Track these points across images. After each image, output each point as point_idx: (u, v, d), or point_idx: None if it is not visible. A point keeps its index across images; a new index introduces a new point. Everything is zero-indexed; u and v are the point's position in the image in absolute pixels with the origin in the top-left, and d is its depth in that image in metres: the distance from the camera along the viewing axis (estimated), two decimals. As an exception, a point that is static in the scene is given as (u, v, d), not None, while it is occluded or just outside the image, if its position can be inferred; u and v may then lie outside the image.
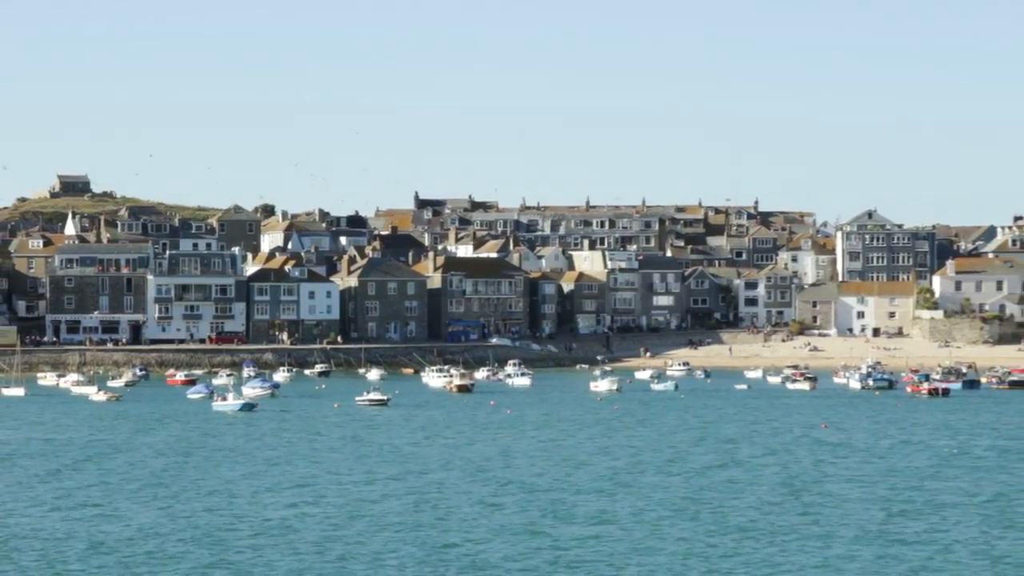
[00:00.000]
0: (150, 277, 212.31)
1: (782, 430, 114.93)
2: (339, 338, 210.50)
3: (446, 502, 73.73)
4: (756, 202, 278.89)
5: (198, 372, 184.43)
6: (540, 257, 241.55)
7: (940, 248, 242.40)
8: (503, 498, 75.11)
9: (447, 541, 61.85)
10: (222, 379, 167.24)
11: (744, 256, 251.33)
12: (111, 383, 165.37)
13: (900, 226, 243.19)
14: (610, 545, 60.84)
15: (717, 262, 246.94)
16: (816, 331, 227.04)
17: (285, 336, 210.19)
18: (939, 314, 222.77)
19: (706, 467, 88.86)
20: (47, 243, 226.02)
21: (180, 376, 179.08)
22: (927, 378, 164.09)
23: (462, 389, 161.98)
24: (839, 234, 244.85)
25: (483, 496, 75.95)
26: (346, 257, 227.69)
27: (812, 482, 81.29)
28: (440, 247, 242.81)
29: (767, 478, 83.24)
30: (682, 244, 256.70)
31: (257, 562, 57.67)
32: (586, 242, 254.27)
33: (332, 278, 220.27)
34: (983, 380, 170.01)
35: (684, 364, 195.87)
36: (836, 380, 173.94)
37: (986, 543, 61.51)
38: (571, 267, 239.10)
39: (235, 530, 65.07)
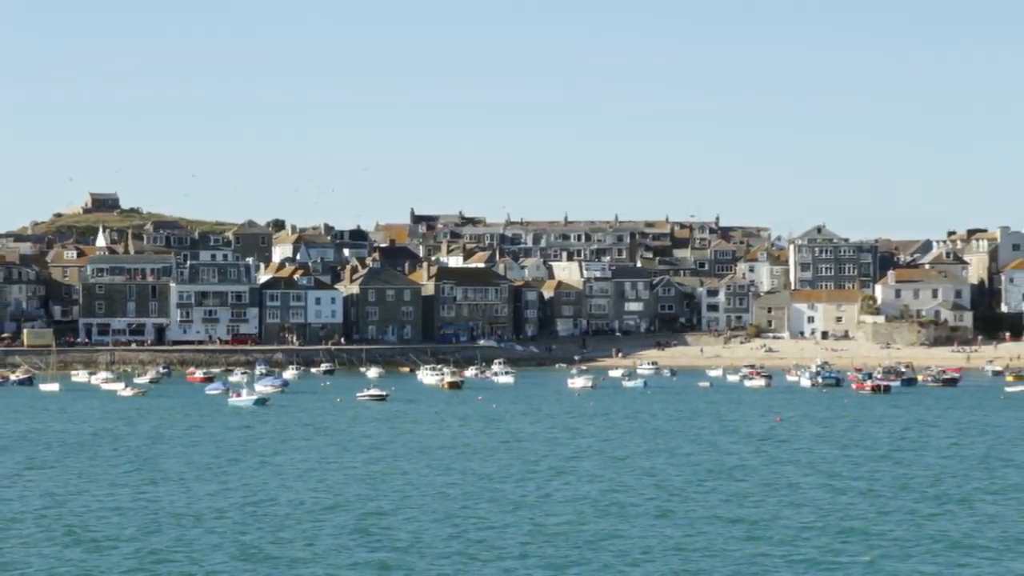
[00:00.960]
0: (173, 285, 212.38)
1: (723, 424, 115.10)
2: (342, 340, 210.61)
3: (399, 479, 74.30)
4: (717, 218, 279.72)
5: (215, 370, 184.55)
6: (523, 267, 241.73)
7: (882, 260, 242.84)
8: (447, 478, 75.61)
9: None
10: (237, 377, 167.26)
11: (706, 267, 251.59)
12: (137, 380, 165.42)
13: (846, 240, 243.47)
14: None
15: (682, 272, 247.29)
16: (771, 334, 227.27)
17: (294, 338, 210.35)
18: (881, 319, 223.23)
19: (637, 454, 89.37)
20: (80, 254, 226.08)
21: (199, 374, 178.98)
22: (870, 376, 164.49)
23: (453, 386, 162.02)
24: (791, 247, 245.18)
25: (431, 478, 76.51)
26: (349, 267, 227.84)
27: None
28: (433, 258, 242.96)
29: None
30: (650, 256, 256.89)
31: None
32: (564, 254, 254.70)
33: (336, 286, 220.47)
34: (920, 378, 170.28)
35: (652, 364, 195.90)
36: (789, 378, 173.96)
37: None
38: (551, 276, 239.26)
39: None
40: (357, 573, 52.22)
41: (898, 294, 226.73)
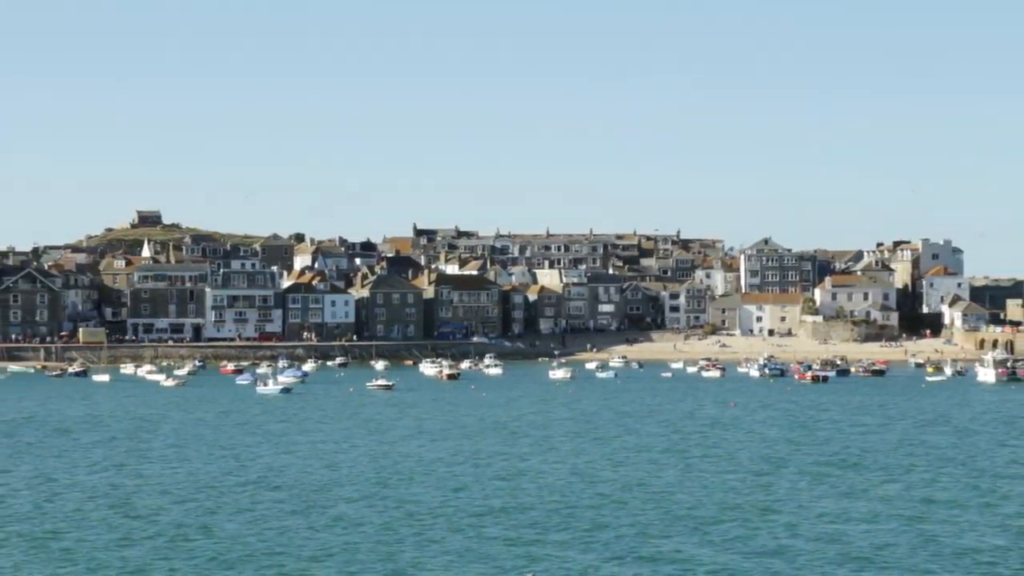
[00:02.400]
0: (208, 290, 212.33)
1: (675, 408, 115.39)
2: (354, 337, 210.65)
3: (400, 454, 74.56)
4: (678, 232, 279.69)
5: (244, 363, 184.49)
6: (511, 274, 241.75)
7: (820, 267, 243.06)
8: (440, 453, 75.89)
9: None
10: (263, 369, 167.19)
11: (669, 273, 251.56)
12: (177, 372, 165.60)
13: (789, 250, 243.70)
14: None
15: (648, 278, 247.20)
16: (724, 332, 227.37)
17: (312, 335, 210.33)
18: (819, 319, 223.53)
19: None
20: (128, 263, 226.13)
21: (231, 367, 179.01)
22: (810, 368, 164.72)
23: (451, 377, 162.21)
24: (742, 256, 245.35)
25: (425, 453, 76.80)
26: (360, 274, 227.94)
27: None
28: (433, 266, 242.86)
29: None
30: (621, 264, 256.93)
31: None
32: (546, 262, 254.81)
33: (349, 290, 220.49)
34: (852, 370, 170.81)
35: (622, 358, 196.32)
36: (740, 369, 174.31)
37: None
38: (535, 282, 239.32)
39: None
40: (353, 537, 52.39)
41: (834, 297, 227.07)
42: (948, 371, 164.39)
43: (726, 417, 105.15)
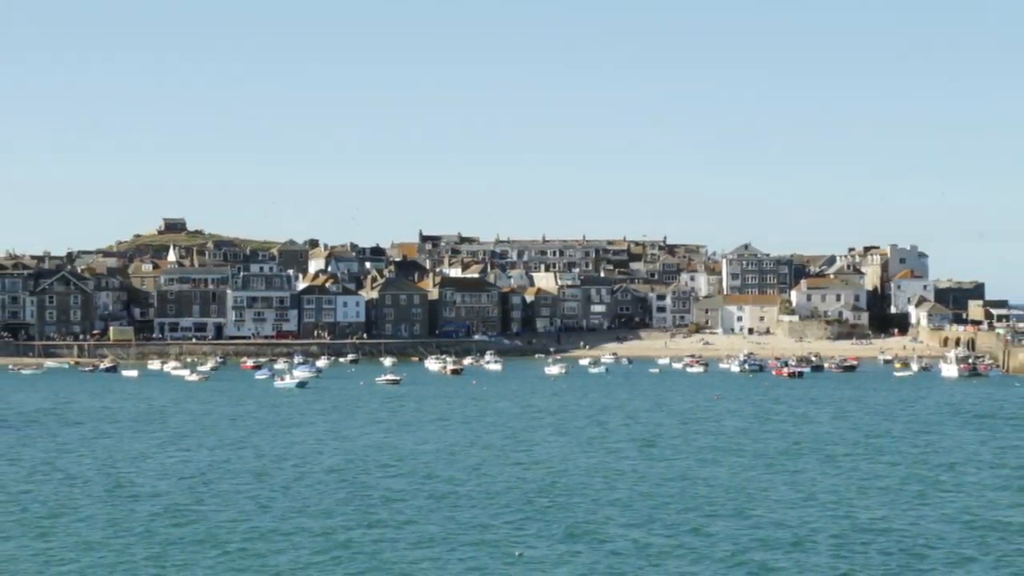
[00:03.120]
0: (229, 291, 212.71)
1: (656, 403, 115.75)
2: (364, 335, 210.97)
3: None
4: (665, 238, 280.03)
5: (263, 360, 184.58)
6: (509, 277, 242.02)
7: (796, 271, 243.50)
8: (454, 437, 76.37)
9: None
10: (280, 365, 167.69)
11: (656, 276, 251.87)
12: (200, 368, 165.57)
13: (768, 255, 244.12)
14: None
15: (636, 280, 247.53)
16: (708, 330, 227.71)
17: (325, 334, 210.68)
18: (795, 318, 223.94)
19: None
20: (155, 267, 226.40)
21: (250, 363, 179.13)
22: (786, 364, 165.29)
23: (454, 372, 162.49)
24: (724, 261, 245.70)
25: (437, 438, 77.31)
26: (369, 277, 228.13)
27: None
28: (437, 270, 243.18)
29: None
30: (611, 268, 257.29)
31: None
32: (543, 266, 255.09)
33: (360, 292, 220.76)
34: (826, 366, 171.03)
35: (613, 354, 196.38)
36: (721, 365, 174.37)
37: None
38: (532, 284, 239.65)
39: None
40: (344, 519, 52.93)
41: (809, 298, 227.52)
42: (914, 367, 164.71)
43: (688, 409, 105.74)
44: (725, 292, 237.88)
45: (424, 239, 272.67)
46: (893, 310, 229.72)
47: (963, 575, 42.90)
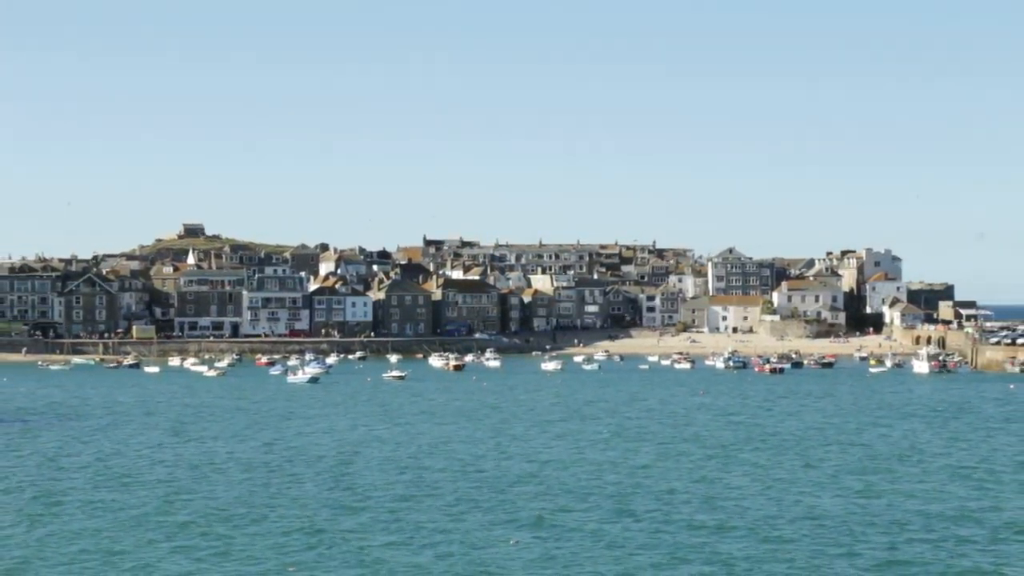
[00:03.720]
0: (244, 292, 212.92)
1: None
2: (372, 334, 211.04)
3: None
4: (654, 242, 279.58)
5: (276, 357, 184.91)
6: (508, 279, 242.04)
7: (777, 273, 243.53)
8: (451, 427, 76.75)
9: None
10: (293, 361, 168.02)
11: (646, 278, 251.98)
12: (217, 364, 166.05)
13: (751, 258, 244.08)
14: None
15: (627, 282, 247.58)
16: (694, 329, 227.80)
17: (335, 332, 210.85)
18: (777, 318, 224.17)
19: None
20: (175, 269, 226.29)
21: (264, 359, 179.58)
22: (768, 361, 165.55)
23: (456, 368, 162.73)
24: (710, 264, 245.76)
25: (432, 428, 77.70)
26: (376, 279, 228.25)
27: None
28: (440, 272, 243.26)
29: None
30: (604, 270, 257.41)
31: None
32: (539, 269, 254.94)
33: (367, 293, 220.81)
34: (805, 363, 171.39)
35: (605, 352, 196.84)
36: (707, 362, 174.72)
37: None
38: (529, 285, 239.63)
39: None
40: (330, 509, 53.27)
41: (789, 299, 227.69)
42: (888, 363, 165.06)
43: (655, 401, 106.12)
44: (711, 293, 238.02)
45: (428, 243, 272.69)
46: (868, 310, 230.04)
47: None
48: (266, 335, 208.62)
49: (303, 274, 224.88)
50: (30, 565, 42.51)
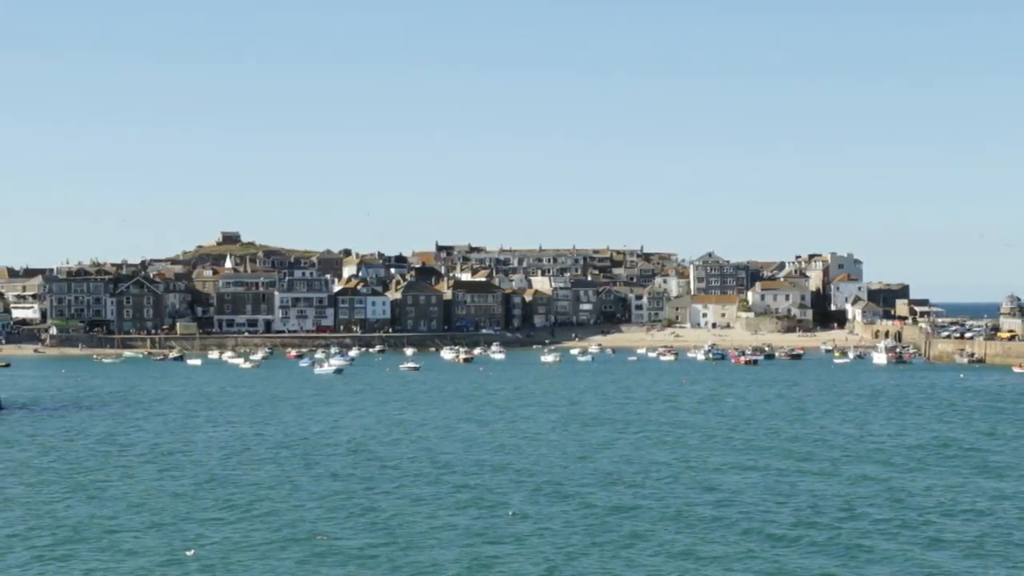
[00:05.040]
0: (276, 293, 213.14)
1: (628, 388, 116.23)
2: (390, 329, 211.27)
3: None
4: (642, 247, 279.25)
5: (304, 350, 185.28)
6: (511, 280, 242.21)
7: (752, 275, 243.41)
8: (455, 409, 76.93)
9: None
10: (319, 354, 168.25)
11: (635, 280, 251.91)
12: (252, 357, 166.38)
13: (728, 262, 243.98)
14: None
15: (618, 283, 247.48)
16: (678, 325, 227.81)
17: (357, 328, 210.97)
18: (751, 315, 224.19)
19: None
20: (214, 273, 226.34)
21: (294, 353, 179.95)
22: (744, 353, 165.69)
23: (465, 360, 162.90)
24: (691, 267, 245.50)
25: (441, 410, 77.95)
26: (394, 281, 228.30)
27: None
28: (450, 274, 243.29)
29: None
30: (597, 272, 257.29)
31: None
32: (539, 271, 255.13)
33: (386, 293, 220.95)
34: (776, 355, 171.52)
35: (598, 345, 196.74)
36: (689, 354, 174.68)
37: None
38: (530, 286, 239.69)
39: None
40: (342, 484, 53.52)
41: (763, 298, 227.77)
42: (851, 355, 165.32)
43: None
44: (692, 293, 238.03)
45: (439, 249, 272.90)
46: (833, 308, 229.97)
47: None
48: (302, 329, 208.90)
49: (328, 276, 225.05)
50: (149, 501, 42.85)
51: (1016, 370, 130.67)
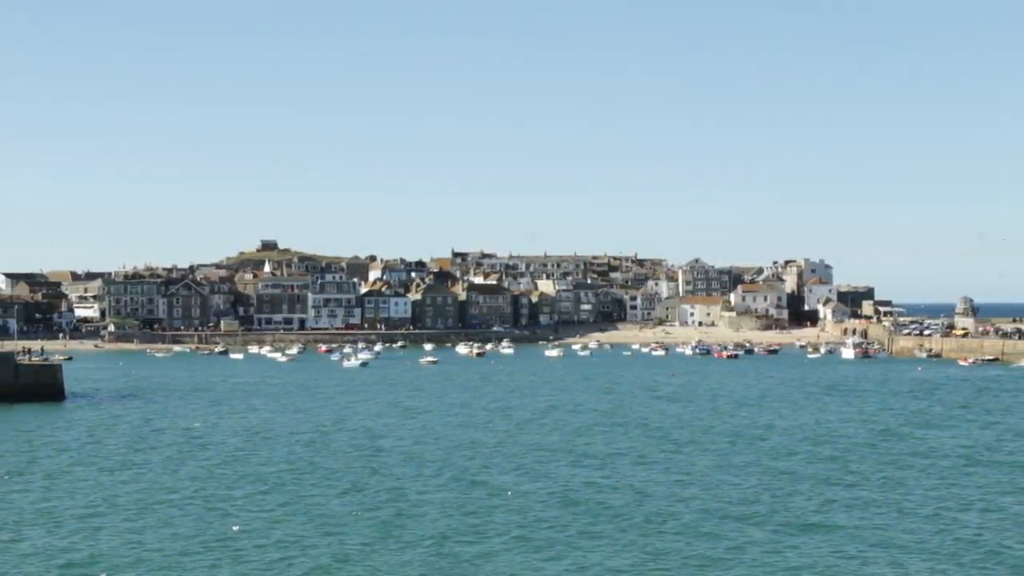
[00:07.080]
0: (309, 294, 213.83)
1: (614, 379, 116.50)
2: (410, 327, 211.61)
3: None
4: (636, 253, 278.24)
5: (334, 345, 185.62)
6: (519, 283, 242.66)
7: (734, 278, 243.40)
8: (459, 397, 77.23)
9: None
10: (347, 349, 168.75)
11: (629, 283, 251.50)
12: (288, 351, 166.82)
13: (712, 266, 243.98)
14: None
15: (614, 286, 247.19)
16: (668, 323, 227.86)
17: (382, 326, 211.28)
18: (733, 314, 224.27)
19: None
20: (255, 276, 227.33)
21: (325, 348, 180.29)
22: (726, 348, 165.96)
23: (478, 355, 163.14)
24: (680, 271, 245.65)
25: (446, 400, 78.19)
26: (415, 283, 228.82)
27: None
28: (465, 278, 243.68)
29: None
30: (596, 276, 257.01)
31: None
32: (544, 275, 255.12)
33: (407, 295, 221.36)
34: (756, 350, 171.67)
35: (597, 341, 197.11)
36: (678, 350, 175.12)
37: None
38: (536, 288, 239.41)
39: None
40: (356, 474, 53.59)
41: (744, 299, 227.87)
42: (822, 350, 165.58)
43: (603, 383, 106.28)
44: (681, 294, 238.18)
45: (455, 255, 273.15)
46: (806, 308, 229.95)
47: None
48: (332, 327, 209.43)
49: (356, 280, 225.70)
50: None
51: (961, 363, 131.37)
